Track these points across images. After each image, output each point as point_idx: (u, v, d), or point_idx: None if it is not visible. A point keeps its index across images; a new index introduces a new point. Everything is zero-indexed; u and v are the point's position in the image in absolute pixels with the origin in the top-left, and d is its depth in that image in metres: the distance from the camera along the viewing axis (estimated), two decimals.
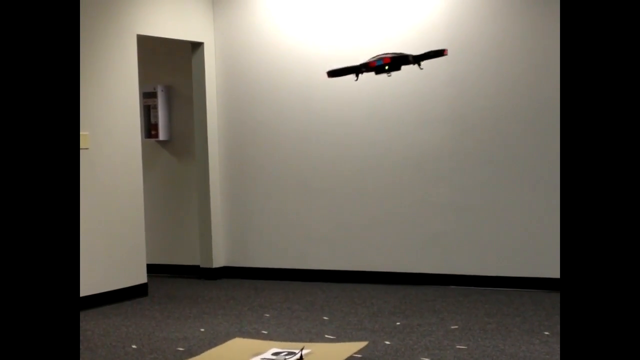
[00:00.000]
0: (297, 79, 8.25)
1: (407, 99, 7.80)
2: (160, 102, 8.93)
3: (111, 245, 7.44)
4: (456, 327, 6.06)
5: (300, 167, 8.32)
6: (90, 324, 6.55)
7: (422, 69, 6.52)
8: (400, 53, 6.41)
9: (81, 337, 6.09)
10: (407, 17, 7.78)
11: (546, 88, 7.27)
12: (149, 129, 8.98)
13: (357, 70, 6.51)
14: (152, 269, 8.71)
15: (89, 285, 7.19)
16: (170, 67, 9.01)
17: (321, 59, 8.11)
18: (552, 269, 7.22)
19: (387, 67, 6.24)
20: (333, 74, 6.66)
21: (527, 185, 7.38)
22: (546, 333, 5.78)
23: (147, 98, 8.95)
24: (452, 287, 7.64)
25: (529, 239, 7.38)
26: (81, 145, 7.17)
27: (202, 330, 6.23)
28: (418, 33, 7.73)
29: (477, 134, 7.56)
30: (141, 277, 7.74)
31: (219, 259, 8.67)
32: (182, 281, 8.54)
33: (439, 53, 6.43)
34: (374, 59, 6.40)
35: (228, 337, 5.96)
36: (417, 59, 6.33)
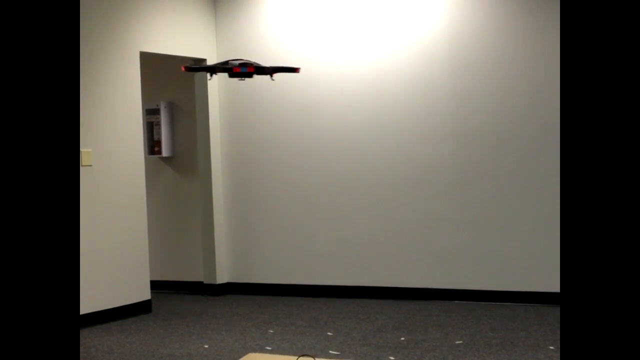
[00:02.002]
0: (299, 94, 8.27)
1: (410, 114, 7.81)
2: (163, 118, 8.94)
3: (115, 262, 7.44)
4: (461, 342, 6.04)
5: (303, 183, 8.32)
6: (94, 341, 6.53)
7: (273, 80, 6.48)
8: (257, 64, 6.36)
9: (85, 355, 6.08)
10: (410, 32, 7.80)
11: (549, 103, 7.27)
12: (152, 145, 8.99)
13: (213, 70, 6.34)
14: (155, 285, 8.71)
15: (92, 302, 7.18)
16: (173, 84, 9.03)
17: (323, 74, 8.13)
18: (556, 284, 7.20)
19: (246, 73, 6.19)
20: (189, 69, 6.46)
21: (531, 200, 7.37)
22: (551, 347, 5.76)
23: (150, 115, 8.97)
24: (457, 302, 7.62)
25: (533, 253, 7.37)
26: (84, 162, 7.18)
27: (206, 346, 6.22)
28: (421, 48, 7.75)
29: (480, 149, 7.56)
30: (145, 294, 7.73)
31: (223, 275, 8.66)
32: (186, 298, 8.53)
33: (292, 69, 6.37)
34: (236, 63, 6.25)
35: (232, 353, 5.95)
36: (270, 71, 6.30)
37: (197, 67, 6.24)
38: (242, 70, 6.11)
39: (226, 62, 6.20)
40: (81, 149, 7.16)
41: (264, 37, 8.44)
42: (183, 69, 6.27)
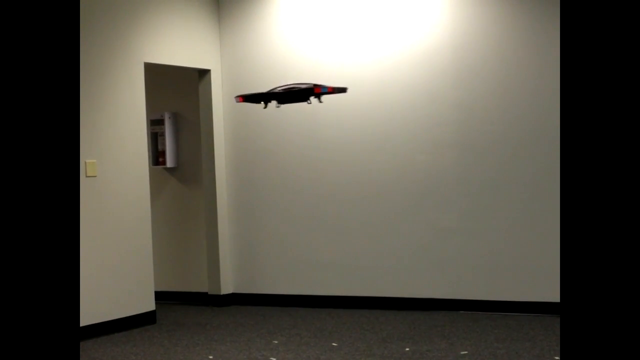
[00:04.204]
0: (303, 105, 8.26)
1: (415, 125, 7.81)
2: (168, 129, 8.95)
3: (119, 273, 7.44)
4: (466, 352, 6.02)
5: (307, 193, 8.32)
6: (98, 352, 6.53)
7: (321, 102, 6.81)
8: (307, 84, 6.65)
9: None
10: (414, 39, 7.80)
11: (554, 112, 7.26)
12: (157, 156, 9.00)
13: (265, 98, 6.81)
14: (160, 296, 8.70)
15: (97, 313, 7.17)
16: (178, 95, 9.05)
17: (327, 85, 8.12)
18: None
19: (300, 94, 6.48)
20: (246, 98, 6.88)
21: (536, 210, 7.36)
22: (556, 358, 5.74)
23: (155, 125, 8.98)
24: (462, 312, 7.61)
25: (537, 263, 7.35)
26: (89, 173, 7.19)
27: (211, 357, 6.21)
28: (425, 58, 7.75)
29: (485, 158, 7.55)
30: (149, 305, 7.73)
31: (227, 286, 8.66)
32: (191, 308, 8.52)
33: (342, 90, 6.67)
34: (287, 86, 6.62)
35: None
36: (318, 95, 6.60)
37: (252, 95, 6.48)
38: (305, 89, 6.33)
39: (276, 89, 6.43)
40: (86, 160, 7.17)
41: (268, 47, 8.45)
42: (240, 99, 6.52)
